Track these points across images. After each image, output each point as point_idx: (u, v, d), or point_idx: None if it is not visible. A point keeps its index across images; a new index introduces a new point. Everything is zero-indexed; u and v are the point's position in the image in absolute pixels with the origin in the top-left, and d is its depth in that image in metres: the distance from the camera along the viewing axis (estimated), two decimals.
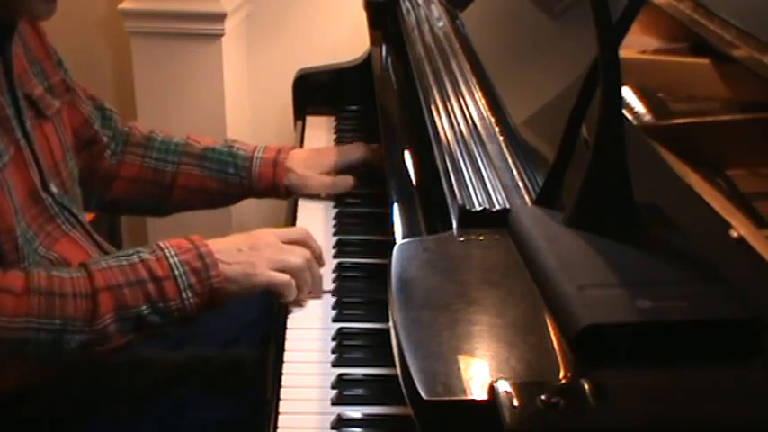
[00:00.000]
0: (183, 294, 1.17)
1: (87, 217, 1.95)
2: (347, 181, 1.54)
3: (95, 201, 1.51)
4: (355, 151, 1.60)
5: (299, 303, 1.25)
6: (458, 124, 1.19)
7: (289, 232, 1.31)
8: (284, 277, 1.22)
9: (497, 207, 0.98)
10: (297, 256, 1.23)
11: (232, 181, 1.51)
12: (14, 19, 1.26)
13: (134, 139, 1.53)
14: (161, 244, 1.21)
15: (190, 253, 1.19)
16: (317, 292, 1.27)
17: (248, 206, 1.72)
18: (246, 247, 1.23)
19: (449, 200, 1.04)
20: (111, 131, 1.51)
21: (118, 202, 1.55)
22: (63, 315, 1.13)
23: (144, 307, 1.16)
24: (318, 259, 1.29)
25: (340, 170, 1.56)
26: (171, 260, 1.18)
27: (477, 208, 0.98)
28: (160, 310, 1.17)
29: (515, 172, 1.05)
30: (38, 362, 1.15)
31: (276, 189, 1.53)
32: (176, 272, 1.18)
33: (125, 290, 1.16)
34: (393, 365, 0.82)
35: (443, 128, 1.19)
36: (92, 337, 1.14)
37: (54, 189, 1.30)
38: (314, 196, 1.56)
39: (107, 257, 1.21)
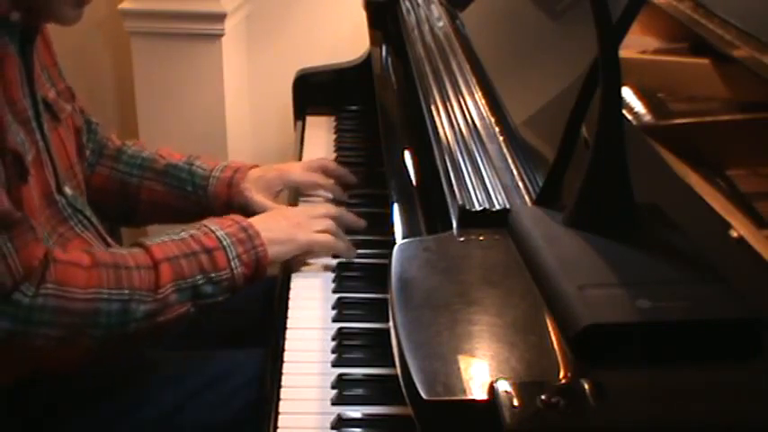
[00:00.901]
0: (232, 264, 1.25)
1: None
2: None
3: None
4: (305, 175, 1.57)
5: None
6: (458, 124, 1.19)
7: (320, 208, 1.43)
8: (324, 237, 1.34)
9: (497, 207, 0.98)
10: (326, 212, 1.38)
11: (191, 198, 1.52)
12: (40, 23, 1.27)
13: (107, 150, 1.55)
14: (205, 222, 1.29)
15: (233, 227, 1.28)
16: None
17: None
18: (283, 218, 1.35)
19: (449, 200, 1.04)
20: (92, 144, 1.53)
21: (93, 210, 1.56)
22: (131, 285, 1.19)
23: (199, 277, 1.23)
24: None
25: (290, 188, 1.57)
26: (218, 233, 1.26)
27: (477, 208, 0.98)
28: (212, 279, 1.24)
29: (515, 172, 1.05)
30: (107, 334, 1.19)
31: (231, 209, 1.52)
32: (224, 243, 1.26)
33: (182, 261, 1.23)
34: (393, 365, 0.82)
35: (443, 128, 1.19)
36: (155, 306, 1.20)
37: (68, 191, 1.31)
38: (314, 195, 1.56)
39: (162, 236, 1.27)
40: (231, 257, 1.25)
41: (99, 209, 1.54)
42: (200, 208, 1.53)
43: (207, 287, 1.24)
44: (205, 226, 1.28)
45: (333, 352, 1.18)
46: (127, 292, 1.18)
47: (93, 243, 1.33)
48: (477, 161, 1.08)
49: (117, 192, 1.53)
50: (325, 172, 1.57)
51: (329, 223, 1.36)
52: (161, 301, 1.20)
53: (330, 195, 1.56)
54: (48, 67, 1.37)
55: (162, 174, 1.53)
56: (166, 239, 1.25)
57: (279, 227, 1.32)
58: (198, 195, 1.52)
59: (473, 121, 1.19)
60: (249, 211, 1.51)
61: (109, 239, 1.38)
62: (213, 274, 1.24)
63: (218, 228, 1.27)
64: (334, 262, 1.37)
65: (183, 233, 1.26)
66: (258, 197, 1.51)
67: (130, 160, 1.54)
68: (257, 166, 1.57)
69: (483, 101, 1.24)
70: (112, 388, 1.30)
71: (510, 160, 1.08)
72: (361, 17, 1.91)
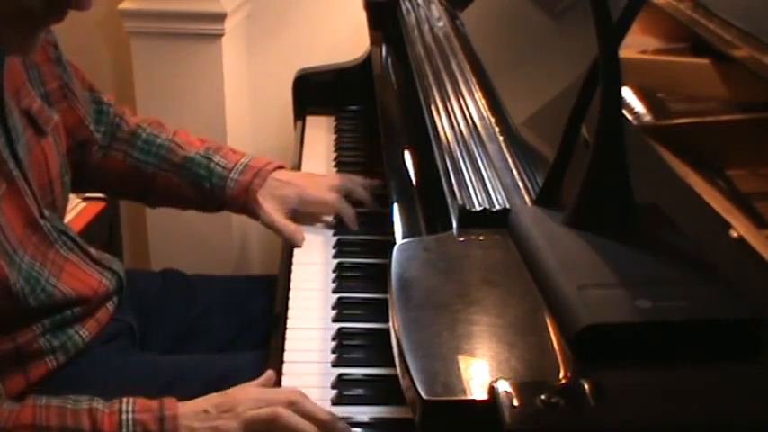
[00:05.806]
0: None
1: (83, 222, 1.96)
2: (296, 234, 1.46)
3: (84, 186, 1.55)
4: (326, 193, 1.51)
5: None
6: (458, 124, 1.19)
7: (274, 392, 1.13)
8: (266, 413, 1.07)
9: (497, 207, 0.98)
10: (273, 410, 1.08)
11: (208, 195, 1.50)
12: None
13: (120, 133, 1.53)
14: (125, 399, 1.11)
15: (150, 413, 1.09)
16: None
17: None
18: (215, 409, 1.10)
19: (449, 200, 1.04)
20: (104, 126, 1.50)
21: (106, 190, 1.62)
22: None
23: None
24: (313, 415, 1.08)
25: (304, 207, 1.50)
26: (124, 416, 1.09)
27: (477, 208, 0.98)
28: None
29: (515, 172, 1.05)
30: None
31: (247, 213, 1.51)
32: (124, 430, 1.08)
33: None
34: (393, 365, 0.82)
35: (443, 128, 1.19)
36: None
37: (47, 213, 1.26)
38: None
39: (56, 398, 1.10)
40: None
41: (113, 190, 1.58)
42: (216, 205, 1.52)
43: None
44: (120, 403, 1.09)
45: (333, 352, 1.18)
46: None
47: (81, 265, 1.30)
48: (477, 161, 1.08)
49: (131, 177, 1.52)
50: (349, 195, 1.50)
51: (277, 413, 1.07)
52: None
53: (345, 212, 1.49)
54: (38, 65, 1.31)
55: (178, 167, 1.51)
56: (55, 404, 1.08)
57: (205, 424, 1.08)
58: (214, 194, 1.50)
59: (473, 121, 1.19)
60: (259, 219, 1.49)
61: (93, 252, 1.34)
62: None
63: (131, 410, 1.08)
64: (334, 262, 1.37)
65: (85, 403, 1.09)
66: (268, 210, 1.47)
67: (145, 146, 1.52)
68: (283, 166, 1.54)
69: (483, 101, 1.24)
70: (112, 389, 1.29)
71: (510, 160, 1.08)
72: (361, 17, 1.91)
